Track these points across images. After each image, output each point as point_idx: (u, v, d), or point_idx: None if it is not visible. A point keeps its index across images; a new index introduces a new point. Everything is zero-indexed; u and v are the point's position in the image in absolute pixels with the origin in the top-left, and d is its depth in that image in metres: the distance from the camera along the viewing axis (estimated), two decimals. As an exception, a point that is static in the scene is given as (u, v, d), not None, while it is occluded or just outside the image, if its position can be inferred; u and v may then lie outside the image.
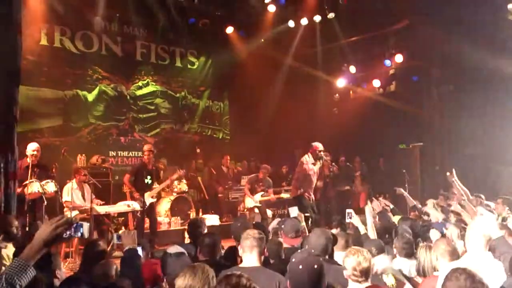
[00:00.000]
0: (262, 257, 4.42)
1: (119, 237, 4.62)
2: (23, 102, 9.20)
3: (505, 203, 9.07)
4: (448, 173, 11.10)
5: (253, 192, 11.85)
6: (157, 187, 10.29)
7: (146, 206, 9.71)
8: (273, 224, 7.17)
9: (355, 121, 14.45)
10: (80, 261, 4.76)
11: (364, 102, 14.99)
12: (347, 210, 8.12)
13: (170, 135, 14.46)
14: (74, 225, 2.71)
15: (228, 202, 13.04)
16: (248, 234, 4.39)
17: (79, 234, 2.78)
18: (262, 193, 11.83)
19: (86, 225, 4.12)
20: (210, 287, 3.16)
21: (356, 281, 3.79)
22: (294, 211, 9.12)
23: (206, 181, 13.34)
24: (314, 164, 10.29)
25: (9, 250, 5.07)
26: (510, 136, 12.14)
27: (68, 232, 2.66)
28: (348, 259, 3.85)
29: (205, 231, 6.02)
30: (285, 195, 12.13)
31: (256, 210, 11.87)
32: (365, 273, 3.80)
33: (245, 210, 12.19)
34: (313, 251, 4.69)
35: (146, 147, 10.40)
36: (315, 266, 3.59)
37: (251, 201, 11.82)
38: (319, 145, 10.36)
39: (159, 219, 11.27)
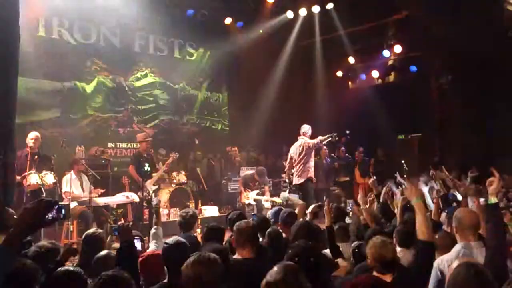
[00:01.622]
0: (255, 248, 4.41)
1: (116, 230, 4.60)
2: (22, 93, 9.21)
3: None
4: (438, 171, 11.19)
5: (247, 189, 11.85)
6: (156, 174, 10.55)
7: (151, 195, 9.94)
8: (270, 213, 7.16)
9: (354, 111, 14.46)
10: (79, 253, 4.76)
11: (363, 93, 14.98)
12: (348, 201, 8.16)
13: (169, 127, 14.45)
14: (56, 206, 2.68)
15: (227, 193, 13.04)
16: (241, 227, 4.38)
17: (62, 216, 2.75)
18: (257, 191, 11.80)
19: (66, 206, 4.11)
20: (217, 275, 3.18)
21: (379, 272, 3.73)
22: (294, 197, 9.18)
23: (204, 172, 13.37)
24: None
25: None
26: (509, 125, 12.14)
27: (50, 215, 2.64)
28: (369, 250, 3.84)
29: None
30: (278, 200, 12.07)
31: (254, 202, 11.85)
32: (388, 265, 3.76)
33: (240, 205, 12.22)
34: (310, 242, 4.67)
35: (141, 137, 10.60)
36: (311, 259, 3.57)
37: (246, 197, 11.79)
38: (306, 127, 10.56)
39: (158, 210, 11.30)
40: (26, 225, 2.56)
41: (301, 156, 10.54)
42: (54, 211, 2.65)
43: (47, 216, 2.61)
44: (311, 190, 10.50)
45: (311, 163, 10.56)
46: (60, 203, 2.92)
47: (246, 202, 11.66)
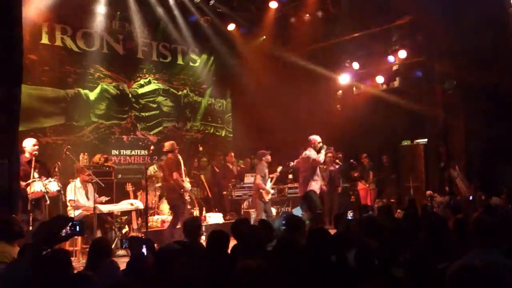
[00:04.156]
0: None
1: (126, 242, 4.55)
2: (25, 101, 9.13)
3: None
4: (451, 169, 11.17)
5: (265, 182, 11.50)
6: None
7: None
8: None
9: (358, 117, 14.40)
10: (86, 259, 4.71)
11: (367, 99, 14.90)
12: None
13: (173, 133, 14.36)
14: (70, 224, 2.67)
15: (232, 200, 12.97)
16: None
17: (77, 232, 2.73)
18: (269, 179, 11.54)
19: (81, 222, 4.09)
20: None
21: None
22: (297, 211, 9.08)
23: (209, 179, 13.31)
24: (318, 154, 10.26)
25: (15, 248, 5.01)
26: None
27: (64, 231, 2.63)
28: None
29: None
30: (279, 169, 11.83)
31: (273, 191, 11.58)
32: None
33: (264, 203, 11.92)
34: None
35: (170, 146, 10.27)
36: None
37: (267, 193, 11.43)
38: (317, 138, 10.36)
39: (162, 217, 11.26)
40: (41, 240, 2.54)
41: (302, 168, 10.48)
42: (69, 227, 2.63)
43: (61, 232, 2.61)
44: (314, 201, 10.24)
45: (315, 176, 10.35)
46: (75, 221, 2.88)
47: (268, 198, 11.29)
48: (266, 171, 11.18)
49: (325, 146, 10.41)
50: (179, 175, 9.83)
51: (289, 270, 4.05)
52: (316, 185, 10.33)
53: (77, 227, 2.73)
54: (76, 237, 8.66)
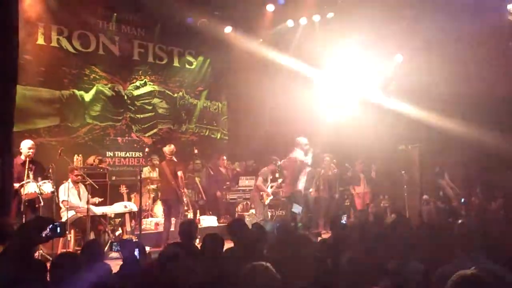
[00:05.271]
0: None
1: (117, 245, 4.53)
2: (20, 102, 9.11)
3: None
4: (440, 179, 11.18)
5: (266, 186, 11.58)
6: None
7: None
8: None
9: (354, 122, 14.37)
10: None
11: (363, 103, 14.88)
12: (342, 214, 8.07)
13: (168, 136, 14.32)
14: (50, 225, 2.66)
15: (226, 203, 12.94)
16: None
17: (57, 234, 2.72)
18: (270, 184, 11.62)
19: (62, 224, 4.07)
20: None
21: None
22: (297, 208, 9.07)
23: (203, 182, 13.27)
24: (306, 157, 10.23)
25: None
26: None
27: (45, 232, 2.63)
28: None
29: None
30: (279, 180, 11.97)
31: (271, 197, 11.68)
32: None
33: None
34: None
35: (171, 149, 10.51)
36: None
37: (267, 195, 11.53)
38: (304, 140, 10.33)
39: (156, 220, 11.25)
40: (22, 241, 2.52)
41: (288, 170, 10.45)
42: (49, 229, 2.62)
43: (42, 234, 2.59)
44: (298, 203, 10.23)
45: (301, 177, 10.32)
46: (56, 222, 2.86)
47: (267, 202, 11.45)
48: (270, 177, 11.33)
49: (311, 149, 10.38)
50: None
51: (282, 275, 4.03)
52: (302, 186, 10.33)
53: (58, 228, 2.72)
54: (65, 236, 8.67)
